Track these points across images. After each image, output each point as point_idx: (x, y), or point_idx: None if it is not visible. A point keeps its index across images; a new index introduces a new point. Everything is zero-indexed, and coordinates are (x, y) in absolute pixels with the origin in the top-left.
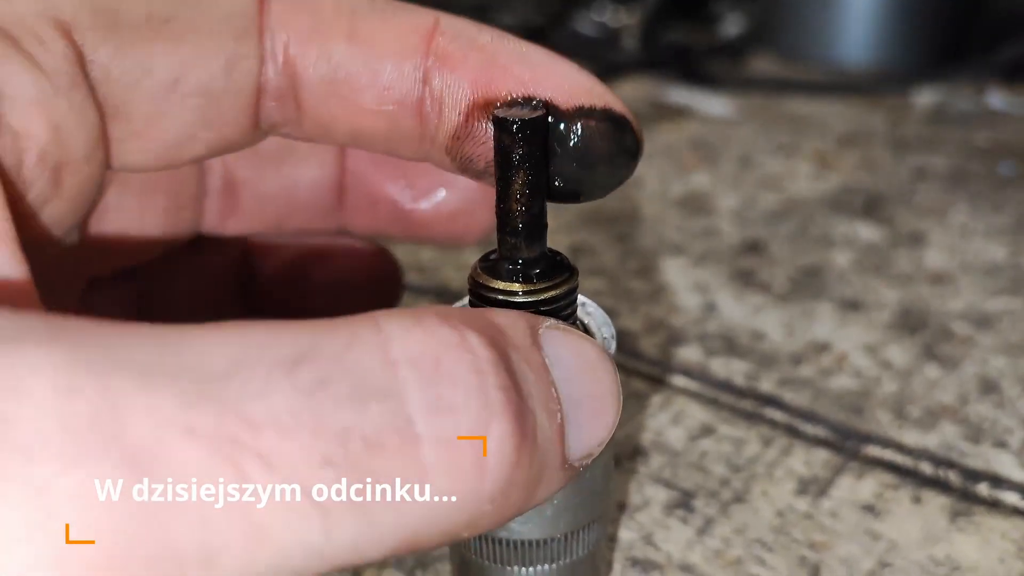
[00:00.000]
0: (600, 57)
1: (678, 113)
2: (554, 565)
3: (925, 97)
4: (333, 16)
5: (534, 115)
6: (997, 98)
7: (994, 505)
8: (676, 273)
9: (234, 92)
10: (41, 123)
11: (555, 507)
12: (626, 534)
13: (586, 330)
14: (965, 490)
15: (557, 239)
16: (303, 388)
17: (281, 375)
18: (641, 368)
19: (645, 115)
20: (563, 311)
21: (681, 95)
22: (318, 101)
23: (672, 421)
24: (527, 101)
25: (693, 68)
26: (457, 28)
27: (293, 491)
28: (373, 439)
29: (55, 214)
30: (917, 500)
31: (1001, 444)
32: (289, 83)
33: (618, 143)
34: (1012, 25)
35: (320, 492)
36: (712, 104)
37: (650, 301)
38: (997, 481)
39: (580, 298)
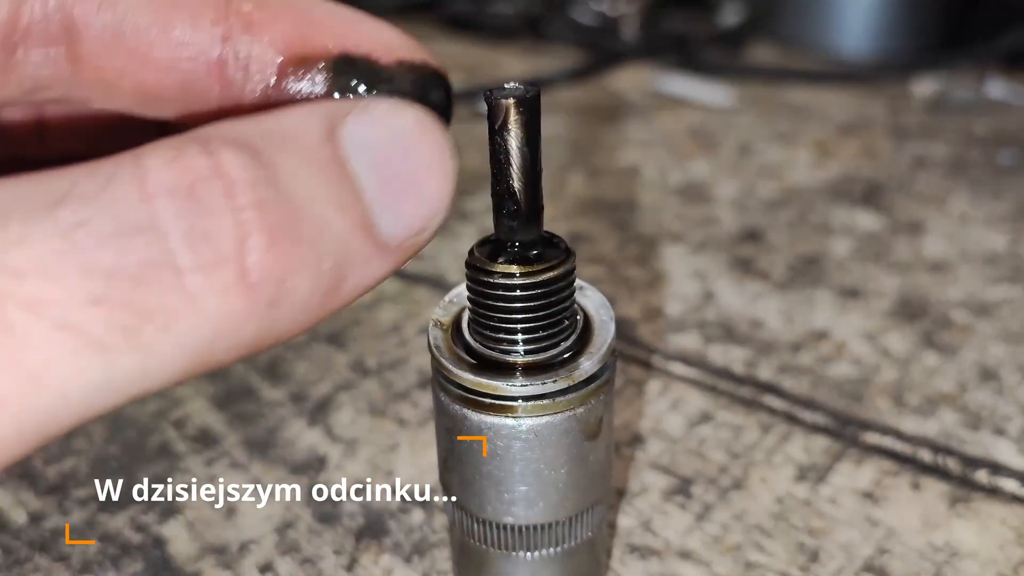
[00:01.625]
0: (599, 46)
1: (677, 102)
2: (557, 549)
3: (925, 86)
4: None
5: (528, 94)
6: (997, 87)
7: (993, 492)
8: (675, 261)
9: None
10: None
11: (560, 490)
12: (625, 520)
13: (584, 313)
14: (964, 477)
15: (556, 226)
16: (63, 230)
17: (40, 219)
18: (640, 355)
19: (644, 104)
20: (561, 292)
21: (680, 84)
22: (100, 54)
23: (671, 408)
24: (367, 63)
25: (692, 57)
26: None
27: (64, 333)
28: (138, 274)
29: None
30: (916, 487)
31: (1000, 431)
32: (63, 30)
33: (434, 98)
34: (1011, 14)
35: (93, 329)
36: (711, 93)
37: (649, 289)
38: (996, 468)
39: (577, 281)
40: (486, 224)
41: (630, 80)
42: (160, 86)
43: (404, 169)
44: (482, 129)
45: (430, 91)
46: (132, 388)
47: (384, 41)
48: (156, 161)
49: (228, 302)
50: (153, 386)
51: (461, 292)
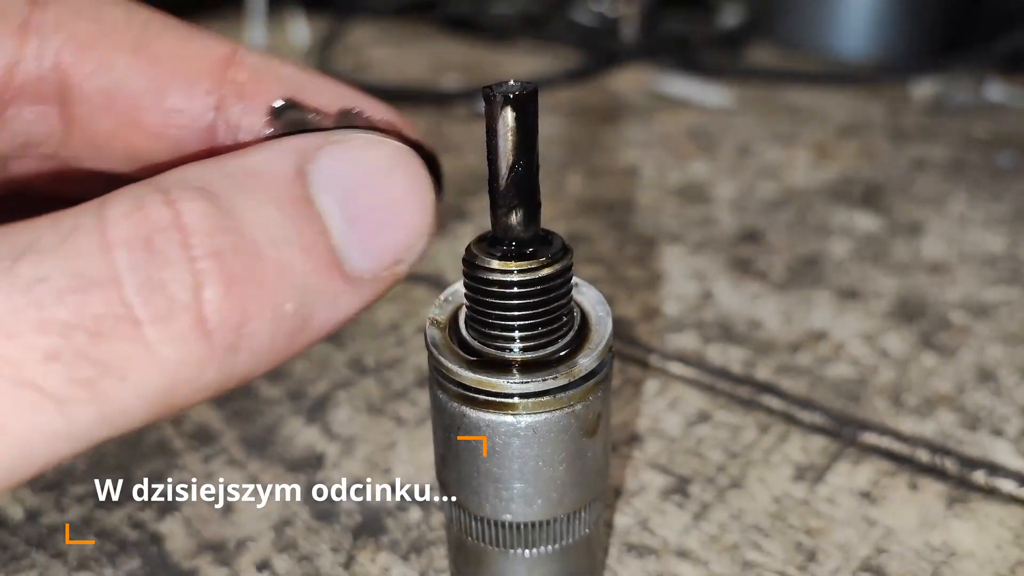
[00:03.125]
0: (598, 46)
1: (676, 102)
2: (554, 547)
3: (924, 88)
4: (122, 27)
5: (524, 90)
6: (996, 89)
7: (990, 492)
8: (673, 261)
9: None
10: None
11: (558, 487)
12: (622, 519)
13: (581, 310)
14: (962, 477)
15: (555, 227)
16: (22, 286)
17: (1, 275)
18: (638, 355)
19: (643, 104)
20: (558, 289)
21: (679, 85)
22: (93, 115)
23: (669, 407)
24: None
25: (691, 58)
26: (257, 60)
27: (22, 389)
28: (94, 328)
29: None
30: (914, 487)
31: (998, 432)
32: (57, 91)
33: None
34: (1011, 17)
35: (50, 384)
36: (710, 94)
37: (647, 289)
38: (993, 469)
39: (574, 279)
40: (485, 224)
41: (629, 81)
42: (150, 150)
43: (376, 203)
44: (480, 129)
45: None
46: (93, 436)
47: (378, 117)
48: (117, 211)
49: (185, 350)
50: (116, 432)
51: (457, 290)
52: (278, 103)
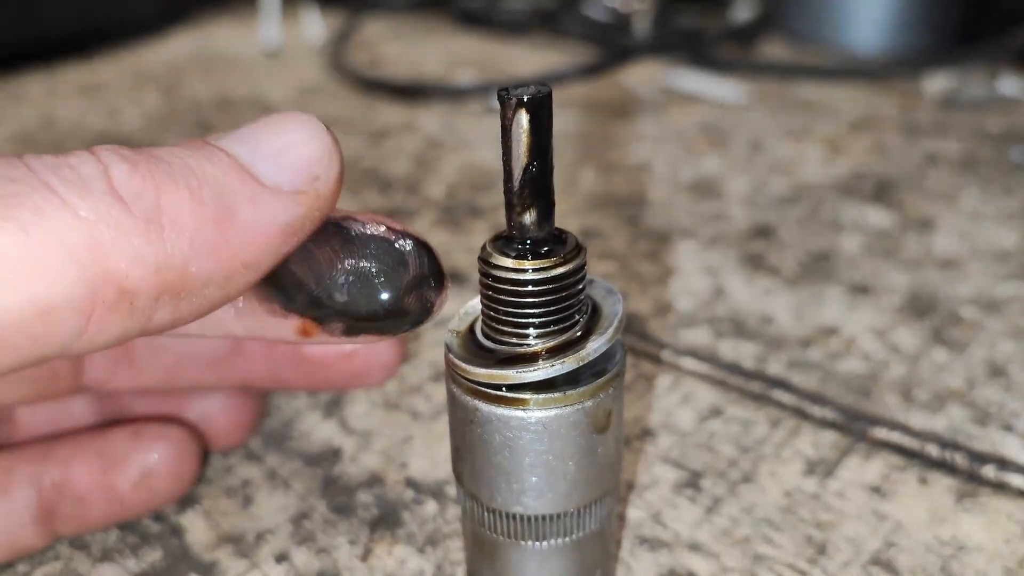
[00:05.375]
0: (611, 41)
1: (688, 98)
2: (567, 539)
3: (936, 83)
4: None
5: (539, 92)
6: (1009, 84)
7: (1000, 487)
8: (686, 256)
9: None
10: None
11: (569, 481)
12: (635, 513)
13: (593, 303)
14: (971, 472)
15: (567, 222)
16: None
17: None
18: (650, 350)
19: (656, 100)
20: (572, 287)
21: (691, 80)
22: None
23: (681, 402)
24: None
25: (704, 53)
26: None
27: None
28: (3, 174)
29: None
30: (924, 482)
31: (1008, 427)
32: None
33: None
34: None
35: None
36: (723, 89)
37: (659, 284)
38: (1003, 464)
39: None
40: (498, 220)
41: (642, 76)
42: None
43: (274, 142)
44: (494, 125)
45: (420, 252)
46: (29, 284)
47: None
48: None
49: (103, 211)
50: (51, 291)
51: (475, 304)
52: None
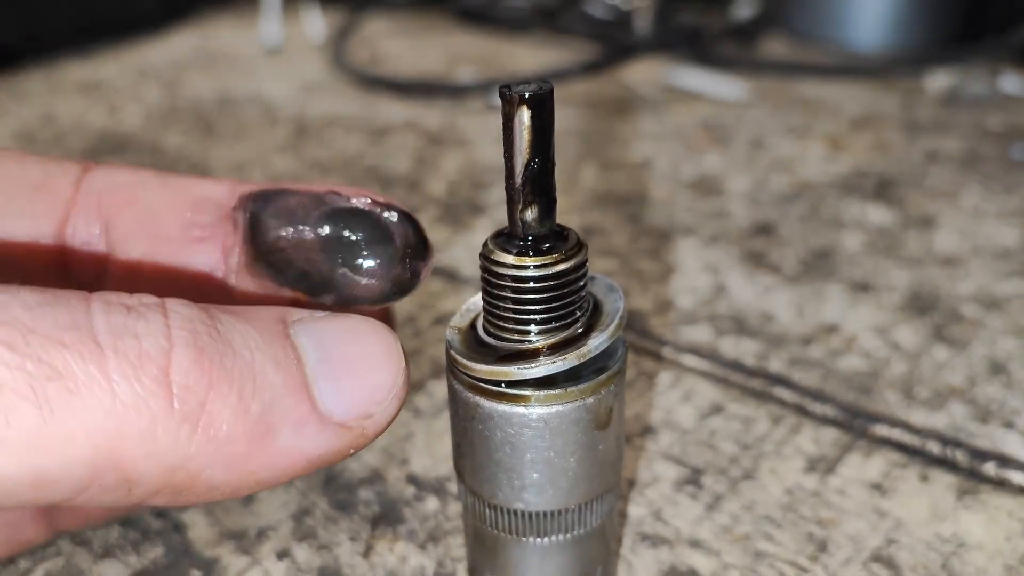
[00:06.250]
0: (612, 39)
1: (690, 95)
2: (567, 536)
3: (938, 80)
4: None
5: (540, 89)
6: (1010, 81)
7: (1001, 484)
8: (687, 254)
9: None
10: None
11: (570, 478)
12: (636, 510)
13: (594, 300)
14: (972, 469)
15: (568, 219)
16: None
17: None
18: (651, 347)
19: (657, 97)
20: (573, 284)
21: (693, 77)
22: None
23: (682, 399)
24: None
25: (705, 50)
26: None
27: None
28: (56, 338)
29: None
30: (924, 479)
31: (1008, 425)
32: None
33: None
34: None
35: None
36: (724, 86)
37: (661, 281)
38: (1004, 461)
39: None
40: (499, 216)
41: (643, 73)
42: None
43: (348, 354)
44: (495, 122)
45: (405, 223)
46: (36, 458)
47: (352, 194)
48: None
49: (142, 395)
50: (54, 468)
51: (477, 301)
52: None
